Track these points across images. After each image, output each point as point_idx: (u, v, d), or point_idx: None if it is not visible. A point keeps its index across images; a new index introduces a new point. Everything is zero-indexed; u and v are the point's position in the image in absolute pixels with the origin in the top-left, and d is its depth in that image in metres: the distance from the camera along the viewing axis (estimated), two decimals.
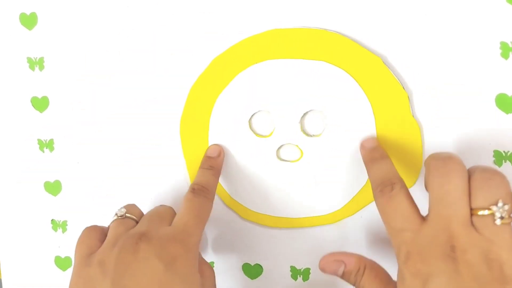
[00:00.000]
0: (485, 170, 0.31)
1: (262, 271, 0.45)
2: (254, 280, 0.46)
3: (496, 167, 0.34)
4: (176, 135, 0.45)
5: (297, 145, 0.43)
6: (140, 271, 0.33)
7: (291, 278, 0.45)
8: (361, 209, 0.43)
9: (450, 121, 0.40)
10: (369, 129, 0.41)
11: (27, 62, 0.46)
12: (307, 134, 0.42)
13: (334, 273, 0.36)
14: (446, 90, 0.39)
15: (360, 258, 0.35)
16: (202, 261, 0.38)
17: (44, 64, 0.46)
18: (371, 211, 0.42)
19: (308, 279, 0.44)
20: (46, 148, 0.48)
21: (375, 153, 0.37)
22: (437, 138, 0.40)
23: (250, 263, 0.45)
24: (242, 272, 0.46)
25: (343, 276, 0.36)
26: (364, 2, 0.39)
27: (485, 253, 0.28)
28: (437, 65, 0.39)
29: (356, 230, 0.43)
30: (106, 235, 0.38)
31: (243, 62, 0.42)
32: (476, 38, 0.38)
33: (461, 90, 0.39)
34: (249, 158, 0.44)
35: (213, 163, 0.42)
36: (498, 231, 0.29)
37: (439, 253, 0.29)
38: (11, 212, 0.50)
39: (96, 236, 0.38)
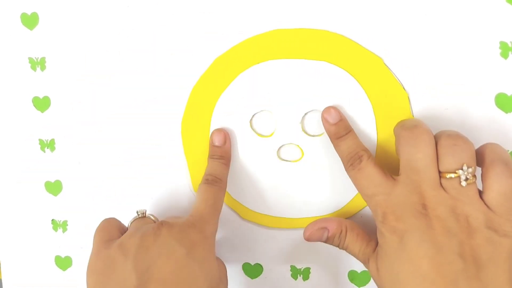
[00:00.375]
0: (450, 136, 0.33)
1: (262, 270, 0.45)
2: (254, 279, 0.45)
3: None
4: (178, 135, 0.44)
5: (298, 145, 0.43)
6: (161, 254, 0.34)
7: (291, 278, 0.45)
8: (361, 209, 0.43)
9: (450, 121, 0.40)
10: (370, 129, 0.41)
11: (29, 62, 0.46)
12: (308, 134, 0.42)
13: (319, 240, 0.39)
14: (446, 90, 0.39)
15: (340, 221, 0.39)
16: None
17: (46, 64, 0.46)
18: (370, 211, 0.40)
19: (308, 279, 0.44)
20: (47, 148, 0.48)
21: (340, 130, 0.39)
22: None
23: (250, 262, 0.45)
24: (242, 271, 0.46)
25: (327, 241, 0.38)
26: (365, 3, 0.39)
27: (453, 209, 0.32)
28: (437, 65, 0.39)
29: None
30: (124, 230, 0.38)
31: (244, 62, 0.42)
32: (476, 38, 0.38)
33: (461, 90, 0.39)
34: (250, 158, 0.44)
35: (222, 153, 0.42)
36: (464, 191, 0.32)
37: (412, 211, 0.32)
38: (12, 212, 0.49)
39: (116, 226, 0.38)
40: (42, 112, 0.47)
